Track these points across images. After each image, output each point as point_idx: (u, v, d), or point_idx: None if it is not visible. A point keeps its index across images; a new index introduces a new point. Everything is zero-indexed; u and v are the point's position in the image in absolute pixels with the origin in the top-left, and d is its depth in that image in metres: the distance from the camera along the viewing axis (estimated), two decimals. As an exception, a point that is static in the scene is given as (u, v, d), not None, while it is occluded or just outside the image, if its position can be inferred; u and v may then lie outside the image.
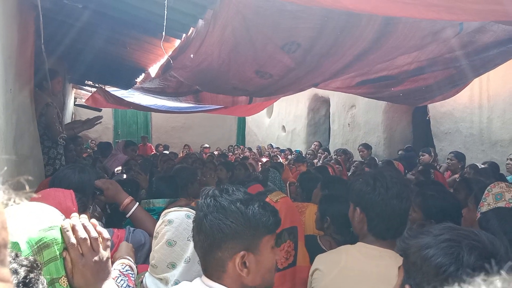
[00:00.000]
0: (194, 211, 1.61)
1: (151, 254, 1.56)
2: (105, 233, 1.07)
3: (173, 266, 1.48)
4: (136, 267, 1.69)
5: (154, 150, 12.10)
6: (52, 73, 4.27)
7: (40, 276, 0.78)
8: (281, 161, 8.14)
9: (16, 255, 0.76)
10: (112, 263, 1.61)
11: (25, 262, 0.76)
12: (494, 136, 6.13)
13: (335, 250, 1.87)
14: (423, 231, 1.00)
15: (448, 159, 5.71)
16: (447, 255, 0.90)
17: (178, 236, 1.52)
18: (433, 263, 0.91)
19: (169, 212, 1.61)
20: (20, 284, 0.72)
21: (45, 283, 0.79)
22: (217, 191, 1.27)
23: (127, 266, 1.62)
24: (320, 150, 9.04)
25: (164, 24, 2.57)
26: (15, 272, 0.72)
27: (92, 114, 11.98)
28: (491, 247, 0.90)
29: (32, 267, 0.76)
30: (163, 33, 2.67)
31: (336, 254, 1.78)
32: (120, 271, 1.57)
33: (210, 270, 1.23)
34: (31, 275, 0.75)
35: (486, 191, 2.45)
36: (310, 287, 1.79)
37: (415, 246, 0.98)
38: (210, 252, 1.21)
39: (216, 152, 11.33)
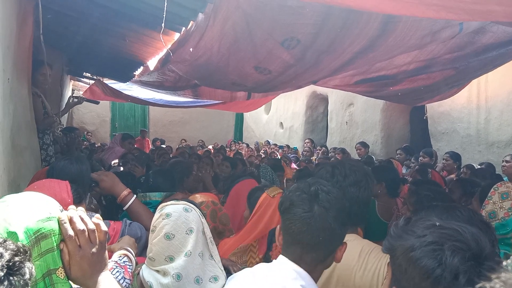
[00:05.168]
0: (191, 205, 1.61)
1: (148, 247, 1.56)
2: (102, 225, 1.07)
3: (171, 259, 1.49)
4: (135, 259, 1.69)
5: (151, 146, 12.04)
6: (39, 64, 4.02)
7: (27, 262, 0.77)
8: (279, 157, 8.15)
9: (5, 241, 0.76)
10: (109, 255, 1.61)
11: (11, 246, 0.75)
12: (491, 137, 6.15)
13: None
14: (407, 230, 0.99)
15: (443, 159, 5.72)
16: (431, 259, 0.89)
17: (177, 230, 1.51)
18: (418, 267, 0.91)
19: (166, 205, 1.60)
20: (4, 267, 0.71)
21: (33, 269, 0.78)
22: (323, 187, 1.32)
23: (125, 257, 1.63)
24: (318, 147, 9.05)
25: (164, 16, 2.56)
26: (0, 256, 0.72)
27: (89, 106, 12.00)
28: (476, 246, 0.89)
29: (18, 251, 0.76)
30: (163, 25, 2.65)
31: None
32: (117, 263, 1.57)
33: (307, 259, 1.28)
34: (16, 258, 0.74)
35: (492, 190, 2.47)
36: None
37: (400, 248, 0.97)
38: (323, 244, 1.28)
39: (211, 147, 11.31)
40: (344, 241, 1.34)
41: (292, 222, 1.28)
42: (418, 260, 0.91)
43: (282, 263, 1.29)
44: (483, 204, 2.47)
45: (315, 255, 1.27)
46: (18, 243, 0.78)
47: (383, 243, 1.07)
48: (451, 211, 1.03)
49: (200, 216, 1.60)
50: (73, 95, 9.89)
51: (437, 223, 0.96)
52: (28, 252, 0.79)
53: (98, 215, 1.09)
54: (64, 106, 5.74)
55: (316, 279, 1.30)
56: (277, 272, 1.27)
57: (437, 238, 0.91)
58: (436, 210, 1.01)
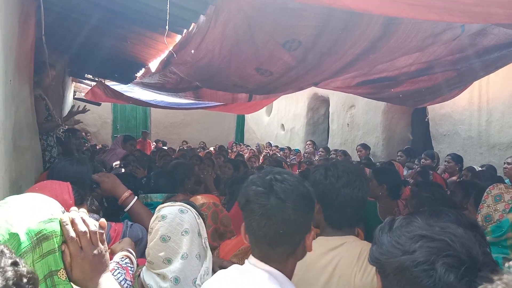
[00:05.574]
0: (187, 206, 1.61)
1: (146, 250, 1.56)
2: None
3: (169, 261, 1.48)
4: (136, 260, 1.69)
5: (152, 147, 12.03)
6: (43, 66, 4.08)
7: None
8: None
9: (15, 263, 0.68)
10: (110, 256, 1.61)
11: (9, 274, 0.65)
12: (492, 139, 6.14)
13: None
14: (392, 242, 0.96)
15: (445, 161, 5.72)
16: (425, 279, 0.88)
17: (172, 231, 1.51)
18: (416, 286, 0.89)
19: (163, 207, 1.61)
20: None
21: None
22: (277, 175, 1.24)
23: (127, 259, 1.63)
24: (321, 149, 9.04)
25: (167, 18, 2.57)
26: None
27: (90, 107, 11.97)
28: (468, 258, 0.88)
29: (14, 283, 0.65)
30: (167, 27, 2.66)
31: None
32: (118, 264, 1.57)
33: (275, 256, 1.23)
34: None
35: (485, 193, 2.47)
36: None
37: (389, 266, 0.95)
38: (287, 237, 1.22)
39: (212, 149, 11.32)
40: (313, 228, 1.29)
41: (251, 219, 1.22)
42: (411, 281, 0.90)
43: (252, 263, 1.24)
44: (478, 208, 2.47)
45: (281, 250, 1.22)
46: (23, 269, 0.69)
47: (369, 253, 1.04)
48: (438, 215, 1.01)
49: (196, 217, 1.60)
50: (75, 96, 9.91)
51: (423, 232, 0.94)
52: (32, 280, 0.70)
53: (103, 220, 1.08)
54: (66, 109, 5.76)
55: (289, 274, 1.25)
56: (249, 274, 1.22)
57: (427, 255, 0.89)
58: (423, 215, 1.00)
